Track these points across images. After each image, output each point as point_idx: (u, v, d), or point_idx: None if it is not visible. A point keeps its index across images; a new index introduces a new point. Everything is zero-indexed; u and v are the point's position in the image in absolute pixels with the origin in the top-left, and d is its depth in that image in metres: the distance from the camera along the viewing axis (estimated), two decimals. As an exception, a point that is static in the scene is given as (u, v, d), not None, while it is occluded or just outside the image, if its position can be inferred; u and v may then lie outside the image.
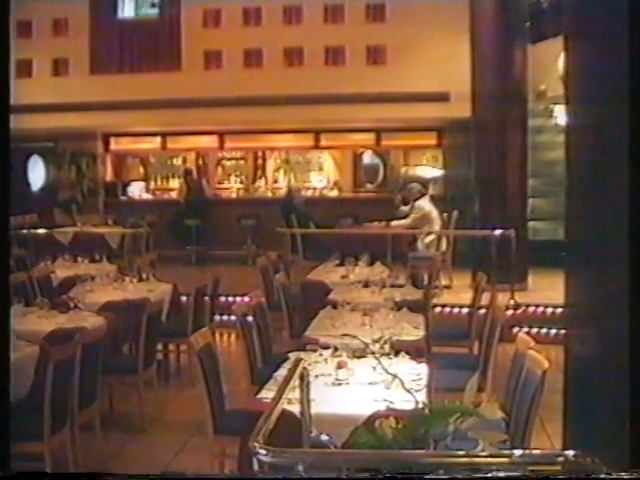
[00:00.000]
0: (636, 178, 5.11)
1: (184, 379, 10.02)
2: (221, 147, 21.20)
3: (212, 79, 18.80)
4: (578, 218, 5.71)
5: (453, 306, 12.83)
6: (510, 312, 12.03)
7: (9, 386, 3.69)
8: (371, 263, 11.93)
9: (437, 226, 15.38)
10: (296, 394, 4.38)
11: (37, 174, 20.69)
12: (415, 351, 6.74)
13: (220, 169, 22.11)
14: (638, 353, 5.17)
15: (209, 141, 21.06)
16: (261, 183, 21.69)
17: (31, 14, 18.45)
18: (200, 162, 21.96)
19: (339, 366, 5.90)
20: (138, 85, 18.53)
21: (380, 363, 5.46)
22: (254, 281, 11.51)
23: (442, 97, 17.45)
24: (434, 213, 15.35)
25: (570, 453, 3.02)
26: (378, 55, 18.66)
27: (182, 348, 10.37)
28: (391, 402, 5.16)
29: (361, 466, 3.64)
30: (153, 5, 20.15)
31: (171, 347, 10.48)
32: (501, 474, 3.07)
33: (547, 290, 12.94)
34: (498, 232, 13.30)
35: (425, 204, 15.35)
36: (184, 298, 10.45)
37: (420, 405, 4.24)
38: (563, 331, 6.51)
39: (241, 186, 21.77)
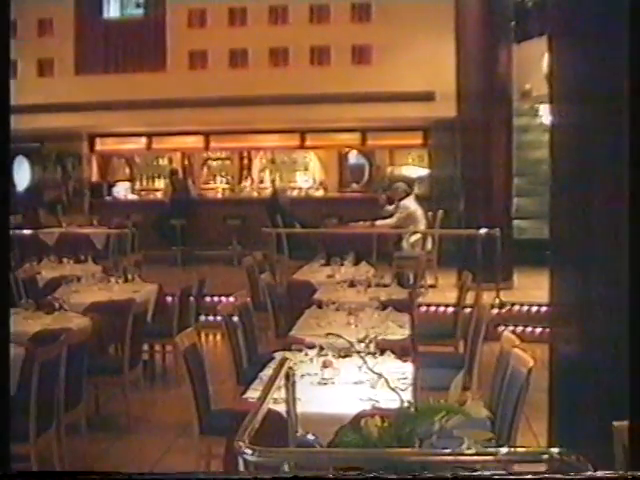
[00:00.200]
0: (620, 177, 5.14)
1: (170, 379, 10.02)
2: (207, 147, 21.16)
3: (197, 79, 18.75)
4: (562, 217, 5.74)
5: (438, 305, 12.85)
6: (495, 311, 12.04)
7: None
8: (356, 263, 11.95)
9: (422, 225, 15.40)
10: (282, 394, 4.38)
11: (22, 175, 20.60)
12: (400, 350, 6.75)
13: (206, 169, 22.07)
14: (622, 351, 5.19)
15: (194, 141, 21.01)
16: (247, 183, 21.65)
17: (16, 14, 18.37)
18: (186, 162, 21.91)
19: (324, 365, 5.90)
20: (123, 85, 18.49)
21: (365, 362, 5.47)
22: (240, 281, 11.51)
23: (427, 97, 17.48)
24: (419, 212, 15.37)
25: (555, 451, 3.03)
26: (364, 55, 18.66)
27: (168, 348, 10.36)
28: (376, 401, 5.17)
29: (347, 465, 3.65)
30: (138, 5, 20.13)
31: (157, 347, 10.47)
32: (486, 473, 3.08)
33: (532, 289, 12.96)
34: (483, 231, 13.32)
35: (410, 203, 15.36)
36: (169, 298, 10.45)
37: (405, 404, 4.24)
38: (548, 329, 6.53)
39: (227, 186, 21.72)
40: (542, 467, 3.27)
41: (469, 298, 9.48)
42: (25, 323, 8.13)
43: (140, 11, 20.04)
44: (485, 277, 12.35)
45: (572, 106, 5.55)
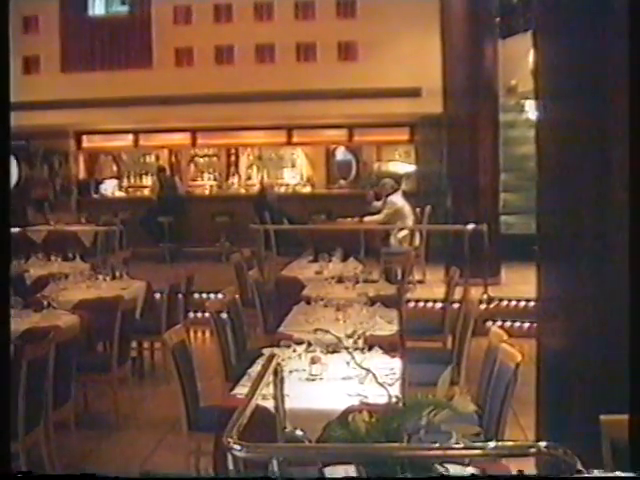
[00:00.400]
0: (606, 171, 5.16)
1: (158, 376, 10.01)
2: (193, 144, 21.16)
3: (183, 76, 18.70)
4: (549, 212, 5.76)
5: (426, 301, 12.88)
6: (483, 306, 12.09)
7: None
8: (344, 259, 11.97)
9: (410, 221, 15.43)
10: (270, 390, 4.39)
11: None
12: (388, 346, 6.76)
13: (193, 166, 22.05)
14: (609, 345, 5.22)
15: (181, 138, 21.01)
16: (234, 180, 21.65)
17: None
18: (173, 159, 21.90)
19: (313, 361, 5.91)
20: (109, 82, 18.44)
21: (353, 358, 5.48)
22: (228, 278, 11.51)
23: (414, 93, 17.48)
24: (407, 208, 15.39)
25: (542, 445, 3.04)
26: (349, 51, 18.65)
27: (156, 345, 10.35)
28: (365, 396, 5.19)
29: (335, 460, 3.67)
30: (123, 2, 20.07)
31: (145, 344, 10.46)
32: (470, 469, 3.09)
33: (520, 284, 12.99)
34: (471, 227, 13.36)
35: (398, 199, 15.38)
36: (158, 295, 10.43)
37: (393, 399, 4.26)
38: (536, 324, 6.56)
39: (214, 183, 21.72)
40: (530, 461, 3.30)
41: (457, 293, 9.49)
42: (13, 321, 8.08)
43: (125, 8, 19.97)
44: (473, 272, 12.40)
45: (558, 101, 5.57)
